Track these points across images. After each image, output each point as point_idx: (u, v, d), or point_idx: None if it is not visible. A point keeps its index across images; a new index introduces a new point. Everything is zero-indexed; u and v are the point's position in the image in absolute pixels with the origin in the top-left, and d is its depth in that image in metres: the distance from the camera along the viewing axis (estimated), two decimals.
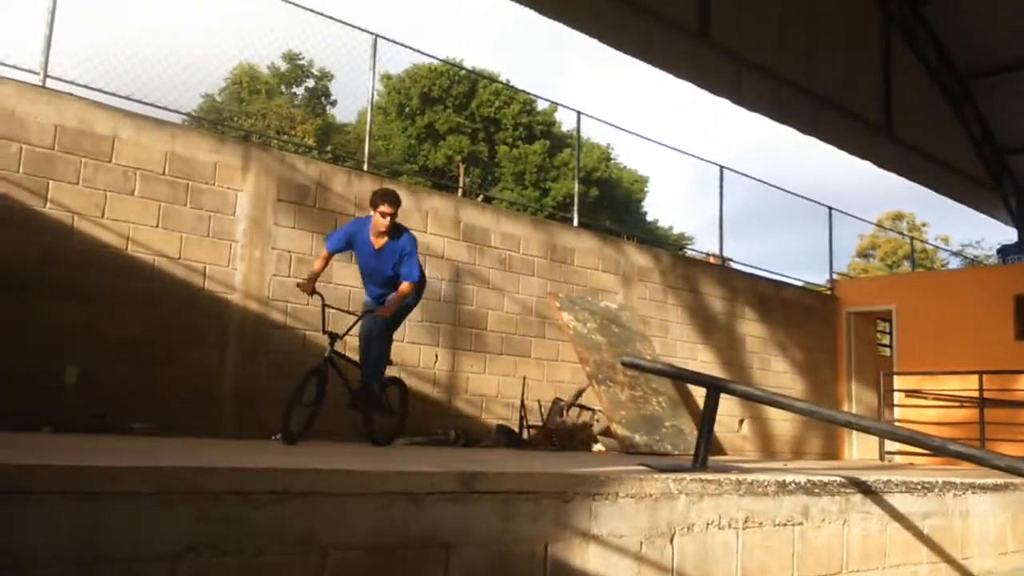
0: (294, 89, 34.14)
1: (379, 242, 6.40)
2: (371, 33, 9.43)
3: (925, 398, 12.16)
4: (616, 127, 13.20)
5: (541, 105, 32.02)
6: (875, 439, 12.35)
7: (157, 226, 7.47)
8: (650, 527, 3.92)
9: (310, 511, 3.00)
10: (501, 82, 30.63)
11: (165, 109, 8.02)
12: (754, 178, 14.18)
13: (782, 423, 12.53)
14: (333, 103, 34.03)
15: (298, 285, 6.46)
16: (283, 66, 32.83)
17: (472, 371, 9.59)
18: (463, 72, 30.34)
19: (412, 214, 9.01)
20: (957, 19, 14.90)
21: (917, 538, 5.27)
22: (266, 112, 28.73)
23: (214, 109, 28.25)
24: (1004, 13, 14.19)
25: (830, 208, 14.98)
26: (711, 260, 13.60)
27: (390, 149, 30.08)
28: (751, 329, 12.74)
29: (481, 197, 22.51)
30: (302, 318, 8.09)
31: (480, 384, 9.57)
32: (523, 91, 29.27)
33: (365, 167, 9.46)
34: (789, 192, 14.76)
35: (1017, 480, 5.63)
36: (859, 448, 13.58)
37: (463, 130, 30.89)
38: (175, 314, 7.44)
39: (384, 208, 6.29)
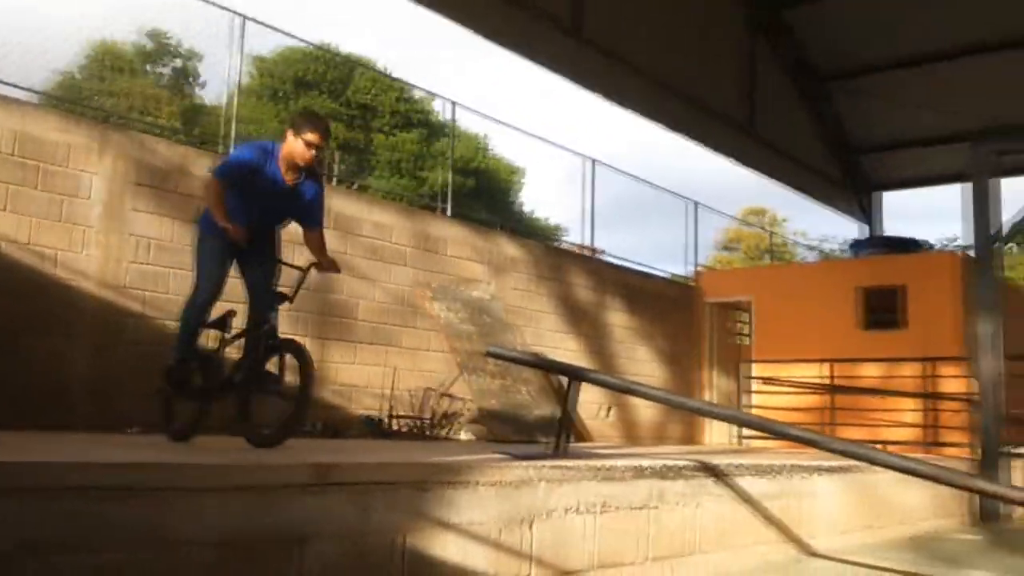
0: (159, 69, 32.77)
1: (292, 178, 5.14)
2: (237, 13, 9.18)
3: (780, 385, 12.74)
4: (491, 118, 13.23)
5: (419, 93, 31.81)
6: (734, 425, 12.87)
7: (4, 209, 7.07)
8: (509, 514, 3.99)
9: (160, 506, 2.93)
10: (377, 70, 30.27)
11: (14, 86, 7.60)
12: (623, 172, 14.54)
13: (646, 410, 12.90)
14: (203, 85, 32.87)
15: (231, 233, 4.90)
16: (148, 44, 31.46)
17: (340, 361, 9.49)
18: (338, 58, 29.84)
19: None
20: (817, 23, 15.61)
21: (766, 518, 5.55)
22: (129, 92, 27.48)
23: (73, 87, 26.82)
24: (859, 18, 14.98)
25: (695, 203, 15.51)
26: (583, 252, 13.88)
27: (261, 133, 29.30)
28: (618, 319, 13.06)
29: (356, 185, 22.21)
30: (162, 307, 7.81)
31: (348, 374, 9.48)
32: (399, 79, 28.99)
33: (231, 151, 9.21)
34: (656, 186, 15.20)
35: (858, 462, 5.97)
36: (717, 433, 14.12)
37: (338, 116, 30.37)
38: (23, 302, 7.07)
39: (312, 136, 5.04)
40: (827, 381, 12.81)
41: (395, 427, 9.18)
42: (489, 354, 6.04)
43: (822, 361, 12.83)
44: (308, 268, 5.19)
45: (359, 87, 30.98)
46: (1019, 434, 11.28)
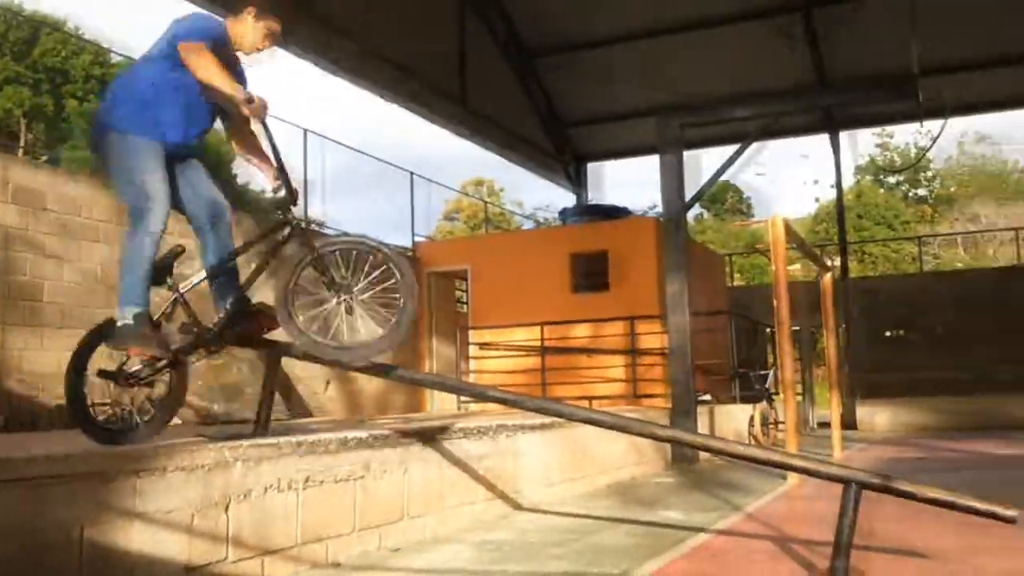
0: None
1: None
2: None
3: (496, 349, 13.18)
4: None
5: (117, 57, 29.40)
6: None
7: None
8: (203, 498, 3.79)
9: None
10: (67, 31, 27.62)
11: None
12: (340, 143, 14.30)
13: (367, 382, 12.85)
14: None
15: (252, 108, 3.99)
16: None
17: (26, 348, 8.63)
18: (22, 16, 26.97)
19: None
20: (525, 2, 16.17)
21: (474, 479, 5.67)
22: None
23: None
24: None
25: (411, 173, 15.58)
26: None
27: None
28: None
29: (46, 158, 20.19)
30: None
31: (36, 362, 8.63)
32: (93, 41, 26.58)
33: None
34: (374, 157, 15.11)
35: (560, 420, 6.25)
36: (440, 400, 14.38)
37: (23, 80, 27.43)
38: None
39: (275, 26, 4.25)
40: (540, 343, 13.40)
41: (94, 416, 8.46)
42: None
43: (536, 324, 13.40)
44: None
45: (47, 49, 28.14)
46: (710, 383, 12.46)
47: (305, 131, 13.23)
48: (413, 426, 5.43)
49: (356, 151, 14.69)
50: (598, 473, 7.53)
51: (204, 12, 4.74)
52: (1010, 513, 3.37)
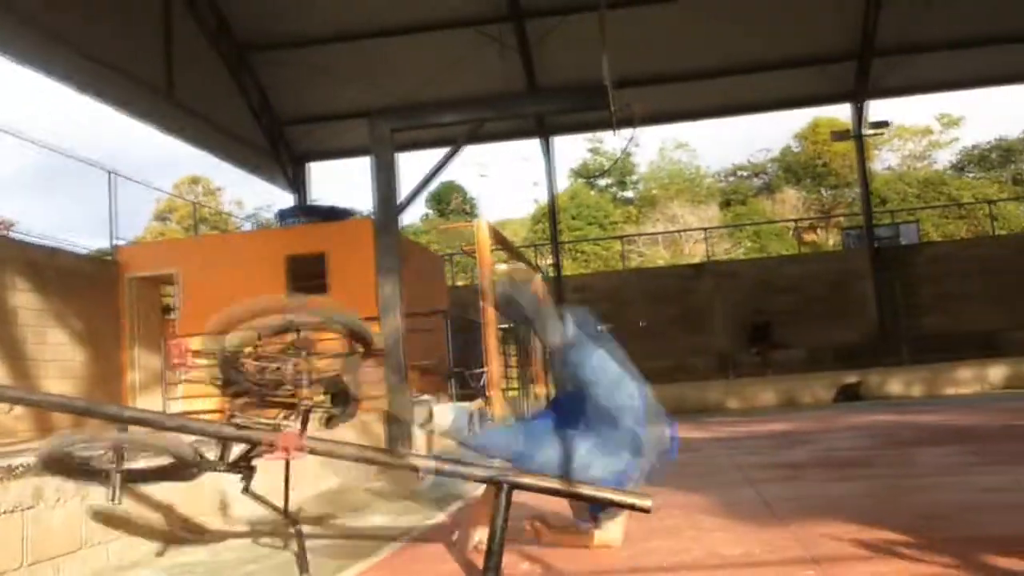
0: None
1: None
2: None
3: (208, 358, 12.57)
4: None
5: None
6: (159, 399, 12.50)
7: None
8: None
9: None
10: None
11: None
12: (28, 139, 13.03)
13: None
14: None
15: None
16: None
17: None
18: None
19: None
20: None
21: (165, 497, 5.36)
22: None
23: None
24: None
25: (109, 172, 14.50)
26: None
27: None
28: (24, 300, 11.71)
29: None
30: None
31: None
32: None
33: None
34: (69, 155, 13.92)
35: None
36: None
37: None
38: None
39: None
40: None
41: None
42: None
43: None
44: None
45: None
46: (429, 383, 12.63)
47: None
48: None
49: (45, 147, 13.44)
50: (306, 483, 7.38)
51: None
52: (647, 504, 3.67)
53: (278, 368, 4.01)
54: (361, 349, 4.23)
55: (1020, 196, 39.73)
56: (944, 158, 44.79)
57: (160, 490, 5.32)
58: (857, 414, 13.14)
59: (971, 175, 43.34)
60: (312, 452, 3.89)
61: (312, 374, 4.03)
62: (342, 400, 4.34)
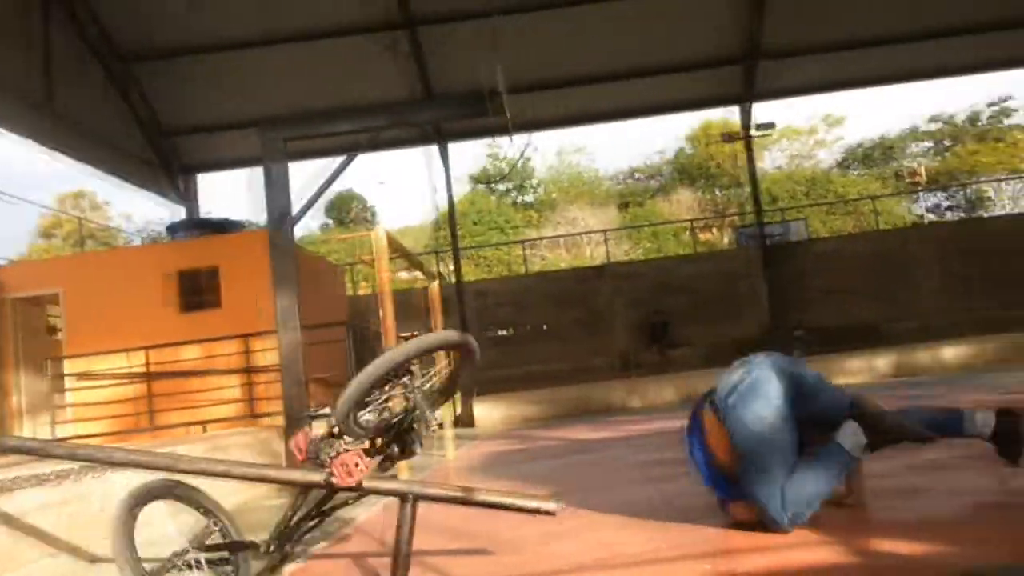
0: None
1: None
2: None
3: (95, 379, 12.12)
4: None
5: None
6: (47, 425, 11.96)
7: None
8: None
9: None
10: None
11: None
12: None
13: None
14: None
15: None
16: None
17: None
18: None
19: None
20: (118, 1, 15.07)
21: (54, 528, 5.14)
22: None
23: None
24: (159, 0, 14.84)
25: None
26: None
27: None
28: None
29: None
30: None
31: None
32: None
33: None
34: None
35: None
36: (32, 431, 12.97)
37: None
38: None
39: None
40: (145, 368, 12.55)
41: None
42: None
43: (140, 349, 12.53)
44: None
45: None
46: (331, 395, 12.43)
47: None
48: None
49: None
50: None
51: None
52: (551, 507, 3.69)
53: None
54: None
55: (902, 191, 41.62)
56: (830, 157, 46.67)
57: (59, 516, 5.10)
58: None
59: (855, 172, 45.26)
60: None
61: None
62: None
